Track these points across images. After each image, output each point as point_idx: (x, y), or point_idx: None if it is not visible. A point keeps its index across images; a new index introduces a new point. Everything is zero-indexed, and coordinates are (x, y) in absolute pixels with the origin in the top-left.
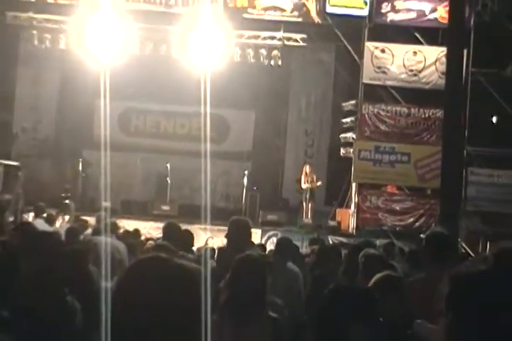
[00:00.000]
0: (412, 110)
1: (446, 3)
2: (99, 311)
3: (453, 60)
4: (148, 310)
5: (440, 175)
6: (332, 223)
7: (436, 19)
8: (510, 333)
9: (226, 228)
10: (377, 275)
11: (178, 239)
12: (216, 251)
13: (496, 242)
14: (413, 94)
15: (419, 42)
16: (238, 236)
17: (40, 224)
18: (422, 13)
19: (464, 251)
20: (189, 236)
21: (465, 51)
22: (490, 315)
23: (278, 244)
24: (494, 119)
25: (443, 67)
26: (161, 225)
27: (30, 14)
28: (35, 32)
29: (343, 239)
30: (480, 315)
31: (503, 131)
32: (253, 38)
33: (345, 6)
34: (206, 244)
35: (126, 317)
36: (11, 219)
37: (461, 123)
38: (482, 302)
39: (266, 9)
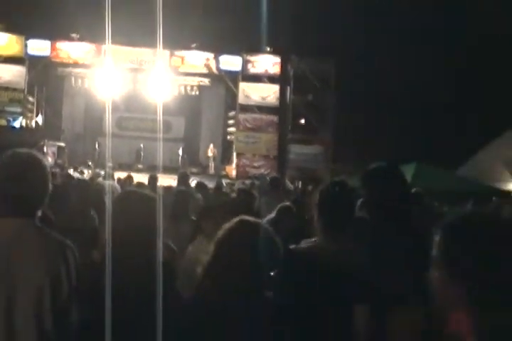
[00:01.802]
0: (263, 116)
1: (278, 62)
2: None
3: (283, 92)
4: (124, 218)
5: (277, 148)
6: (224, 173)
7: (274, 72)
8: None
9: (173, 176)
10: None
11: (152, 182)
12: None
13: (306, 182)
14: (265, 108)
15: (267, 83)
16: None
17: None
18: (266, 69)
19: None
20: (155, 180)
21: (288, 87)
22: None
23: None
24: (303, 121)
25: (277, 95)
26: (139, 175)
27: (70, 69)
28: (72, 78)
29: (230, 181)
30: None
31: (309, 127)
32: (183, 80)
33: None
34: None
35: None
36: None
37: (287, 123)
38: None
39: (191, 67)
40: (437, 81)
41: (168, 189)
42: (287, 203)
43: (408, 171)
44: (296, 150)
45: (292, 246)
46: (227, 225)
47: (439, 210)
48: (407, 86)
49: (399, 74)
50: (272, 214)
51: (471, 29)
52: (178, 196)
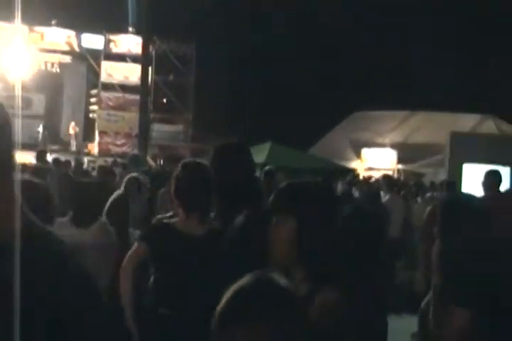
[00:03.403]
0: (126, 95)
1: (140, 42)
2: None
3: (145, 72)
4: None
5: (138, 127)
6: (86, 150)
7: (136, 52)
8: None
9: (32, 153)
10: None
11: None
12: None
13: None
14: (128, 87)
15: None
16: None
17: None
18: (129, 49)
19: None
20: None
21: (150, 67)
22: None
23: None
24: (165, 100)
25: (139, 75)
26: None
27: None
28: None
29: (91, 158)
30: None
31: (170, 106)
32: (43, 57)
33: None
34: None
35: None
36: None
37: (149, 103)
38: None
39: (51, 44)
40: (297, 65)
41: (25, 166)
42: (134, 175)
43: (263, 150)
44: (158, 129)
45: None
46: None
47: None
48: (264, 70)
49: (257, 58)
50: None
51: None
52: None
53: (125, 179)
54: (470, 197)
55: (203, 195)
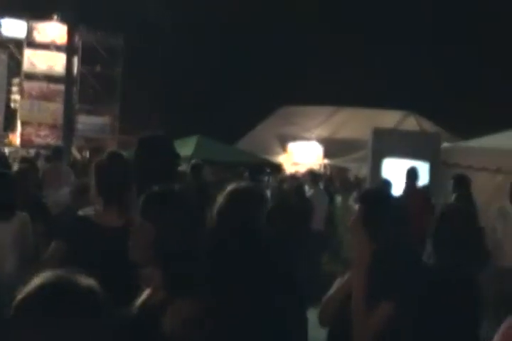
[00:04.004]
0: (51, 85)
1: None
2: None
3: (70, 62)
4: None
5: (63, 118)
6: (7, 141)
7: (61, 41)
8: None
9: None
10: None
11: None
12: None
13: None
14: (52, 77)
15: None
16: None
17: None
18: (53, 37)
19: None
20: None
21: (76, 57)
22: None
23: None
24: (91, 91)
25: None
26: None
27: None
28: None
29: (13, 149)
30: None
31: (97, 98)
32: None
33: None
34: None
35: None
36: None
37: (74, 93)
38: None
39: None
40: (225, 59)
41: None
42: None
43: (190, 144)
44: (85, 121)
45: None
46: None
47: (219, 178)
48: (193, 63)
49: (186, 51)
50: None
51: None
52: None
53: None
54: (389, 192)
55: (122, 187)
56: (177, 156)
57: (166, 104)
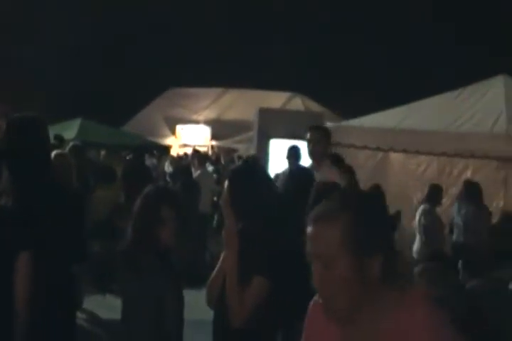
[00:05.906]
0: None
1: None
2: None
3: None
4: None
5: None
6: None
7: None
8: None
9: None
10: None
11: None
12: None
13: None
14: None
15: None
16: None
17: None
18: None
19: None
20: None
21: None
22: None
23: None
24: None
25: None
26: None
27: None
28: None
29: None
30: None
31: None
32: None
33: None
34: None
35: None
36: None
37: None
38: None
39: None
40: (115, 42)
41: None
42: None
43: (73, 126)
44: None
45: None
46: None
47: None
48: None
49: (81, 34)
50: None
51: None
52: None
53: None
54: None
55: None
56: (47, 137)
57: (49, 86)
